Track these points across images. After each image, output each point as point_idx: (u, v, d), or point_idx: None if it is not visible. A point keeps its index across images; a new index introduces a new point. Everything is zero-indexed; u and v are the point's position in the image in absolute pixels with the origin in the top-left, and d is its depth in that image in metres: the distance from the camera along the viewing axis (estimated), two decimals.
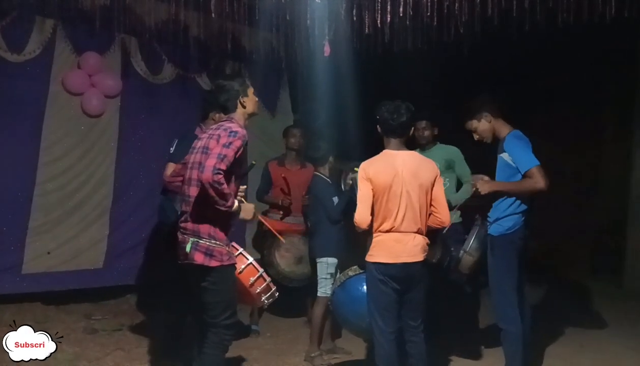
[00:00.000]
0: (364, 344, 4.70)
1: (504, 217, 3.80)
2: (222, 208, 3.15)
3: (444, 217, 3.56)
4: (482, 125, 3.92)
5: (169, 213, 4.15)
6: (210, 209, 3.18)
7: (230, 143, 3.17)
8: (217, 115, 4.11)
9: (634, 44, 6.68)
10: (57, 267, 5.33)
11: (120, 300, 5.76)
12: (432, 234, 4.13)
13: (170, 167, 3.97)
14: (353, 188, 4.13)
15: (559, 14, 4.40)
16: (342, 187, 4.49)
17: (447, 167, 4.75)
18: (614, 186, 7.58)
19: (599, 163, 8.01)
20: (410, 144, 3.70)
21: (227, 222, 3.33)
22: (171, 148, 4.26)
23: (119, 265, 5.67)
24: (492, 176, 3.93)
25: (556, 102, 8.07)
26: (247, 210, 3.40)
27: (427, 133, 4.79)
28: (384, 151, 3.57)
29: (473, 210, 4.30)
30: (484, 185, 3.81)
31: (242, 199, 3.45)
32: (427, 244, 3.55)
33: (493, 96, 4.00)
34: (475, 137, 4.00)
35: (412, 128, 3.61)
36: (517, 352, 3.79)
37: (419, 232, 3.49)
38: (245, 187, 3.58)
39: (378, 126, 3.59)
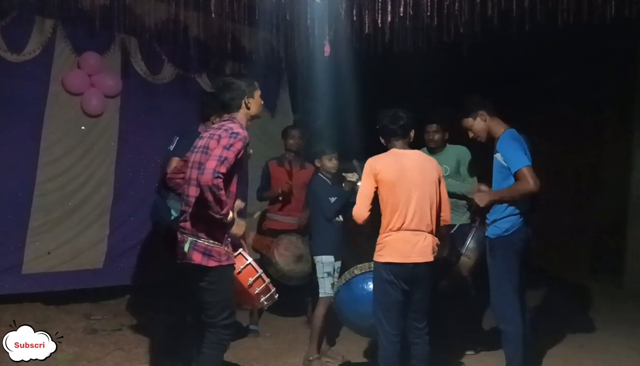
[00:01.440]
0: (364, 345, 4.69)
1: (501, 219, 3.78)
2: (217, 216, 3.12)
3: (446, 215, 3.63)
4: (478, 124, 3.90)
5: (163, 213, 4.11)
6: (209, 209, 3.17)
7: (231, 145, 3.15)
8: (218, 119, 4.06)
9: (634, 44, 6.68)
10: (57, 267, 5.33)
11: (120, 300, 5.76)
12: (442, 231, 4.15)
13: (175, 162, 3.91)
14: (353, 190, 4.15)
15: (559, 14, 4.40)
16: (343, 185, 4.49)
17: (457, 167, 4.74)
18: (614, 186, 7.58)
19: (599, 164, 8.01)
20: (418, 147, 3.73)
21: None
22: (171, 146, 4.21)
23: (119, 265, 5.68)
24: (491, 175, 3.94)
25: (556, 102, 8.08)
26: (240, 225, 3.41)
27: (437, 137, 4.74)
28: (391, 150, 3.58)
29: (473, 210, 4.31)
30: (481, 197, 3.79)
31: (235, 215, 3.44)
32: (437, 245, 3.55)
33: (488, 96, 4.00)
34: (470, 134, 3.98)
35: (413, 131, 3.62)
36: (517, 353, 3.78)
37: (429, 230, 3.48)
38: (243, 204, 3.56)
39: (380, 136, 3.62)
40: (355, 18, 4.50)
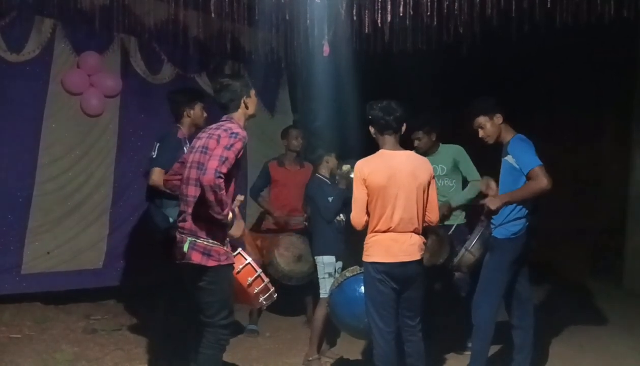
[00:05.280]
0: (362, 344, 4.69)
1: (509, 222, 3.81)
2: (217, 217, 3.14)
3: (433, 217, 3.61)
4: (492, 125, 3.92)
5: (159, 221, 4.08)
6: (209, 209, 3.17)
7: (232, 145, 3.16)
8: (192, 111, 4.19)
9: (633, 44, 6.68)
10: (57, 267, 5.33)
11: (120, 300, 5.76)
12: (439, 235, 4.16)
13: (157, 172, 3.94)
14: (348, 187, 4.15)
15: (558, 15, 4.40)
16: (337, 181, 4.49)
17: (454, 167, 4.74)
18: (614, 186, 7.58)
19: (599, 164, 8.02)
20: (405, 145, 3.71)
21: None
22: (153, 153, 4.17)
23: (119, 265, 5.68)
24: (494, 177, 3.95)
25: (556, 103, 8.08)
26: (239, 226, 3.41)
27: (423, 142, 4.75)
28: (380, 151, 3.56)
29: (478, 211, 4.31)
30: (494, 201, 3.79)
31: (236, 209, 3.43)
32: (424, 243, 3.56)
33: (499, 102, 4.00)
34: (481, 133, 3.97)
35: (405, 124, 3.60)
36: (483, 350, 3.87)
37: (415, 231, 3.49)
38: (242, 197, 3.57)
39: (371, 127, 3.57)
40: (354, 18, 4.49)
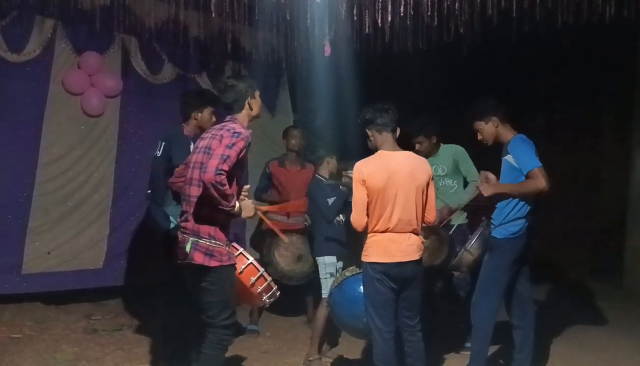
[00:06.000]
0: (362, 344, 4.70)
1: (509, 222, 3.82)
2: (225, 209, 3.15)
3: (431, 217, 3.63)
4: (489, 128, 3.93)
5: (160, 221, 4.07)
6: (211, 209, 3.18)
7: (234, 144, 3.16)
8: (200, 114, 4.21)
9: (634, 44, 6.69)
10: (57, 267, 5.34)
11: (120, 300, 5.76)
12: (439, 235, 4.16)
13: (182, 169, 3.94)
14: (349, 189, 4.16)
15: (558, 15, 4.41)
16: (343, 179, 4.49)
17: (455, 167, 4.75)
18: (614, 186, 7.59)
19: (599, 164, 8.03)
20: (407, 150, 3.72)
21: (227, 222, 3.33)
22: (157, 152, 4.20)
23: (119, 265, 5.68)
24: (496, 176, 3.96)
25: (556, 103, 8.10)
26: (248, 208, 3.40)
27: (424, 146, 4.75)
28: (379, 152, 3.57)
29: (479, 211, 4.32)
30: (487, 188, 3.82)
31: (245, 197, 3.44)
32: (423, 243, 3.57)
33: (500, 101, 3.99)
34: (479, 136, 4.01)
35: (399, 128, 3.61)
36: (482, 350, 3.88)
37: (414, 232, 3.50)
38: (248, 186, 3.60)
39: (369, 129, 3.58)
40: (355, 18, 4.50)
